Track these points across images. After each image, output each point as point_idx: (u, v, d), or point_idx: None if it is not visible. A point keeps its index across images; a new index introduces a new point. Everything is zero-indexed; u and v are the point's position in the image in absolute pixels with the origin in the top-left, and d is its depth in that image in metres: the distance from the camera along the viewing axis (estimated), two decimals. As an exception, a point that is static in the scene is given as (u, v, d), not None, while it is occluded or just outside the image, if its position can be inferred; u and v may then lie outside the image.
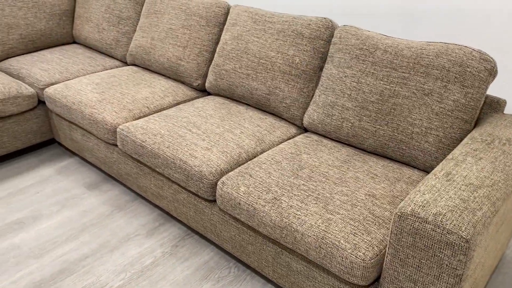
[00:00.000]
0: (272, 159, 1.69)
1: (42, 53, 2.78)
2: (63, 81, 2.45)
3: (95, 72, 2.60)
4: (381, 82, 1.69)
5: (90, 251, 1.85)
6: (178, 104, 2.26)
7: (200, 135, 1.85)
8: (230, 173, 1.64)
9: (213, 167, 1.68)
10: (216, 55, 2.23)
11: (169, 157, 1.77)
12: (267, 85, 2.02)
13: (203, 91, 2.41)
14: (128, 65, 2.72)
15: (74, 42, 3.05)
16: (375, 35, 1.78)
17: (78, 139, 2.30)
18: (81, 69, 2.57)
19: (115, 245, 1.88)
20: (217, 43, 2.30)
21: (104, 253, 1.84)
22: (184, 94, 2.32)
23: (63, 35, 2.94)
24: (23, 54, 2.79)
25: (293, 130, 1.99)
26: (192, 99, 2.33)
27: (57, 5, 2.88)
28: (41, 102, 2.45)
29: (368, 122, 1.71)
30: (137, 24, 2.67)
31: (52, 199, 2.16)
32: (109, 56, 2.80)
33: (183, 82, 2.42)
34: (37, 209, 2.09)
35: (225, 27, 2.24)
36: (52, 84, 2.42)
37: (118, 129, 1.98)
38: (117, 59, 2.77)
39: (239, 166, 1.73)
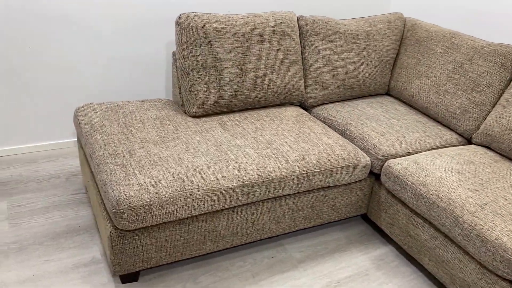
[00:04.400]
0: None
1: (358, 103, 2.38)
2: (404, 154, 1.98)
3: (436, 147, 2.06)
4: None
5: None
6: None
7: None
8: None
9: None
10: None
11: None
12: None
13: None
14: (473, 144, 2.14)
15: (386, 94, 2.61)
16: None
17: (421, 237, 1.78)
18: (419, 140, 2.06)
19: None
20: None
21: None
22: None
23: (380, 85, 2.51)
24: (338, 101, 2.43)
25: None
26: None
27: (386, 50, 2.45)
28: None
29: None
30: (499, 96, 2.06)
31: (383, 312, 1.68)
32: (442, 124, 2.25)
33: None
34: (369, 324, 1.63)
35: None
36: (393, 156, 1.96)
37: (530, 268, 1.38)
38: (455, 132, 2.20)
39: None
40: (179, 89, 2.13)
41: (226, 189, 1.60)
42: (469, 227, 1.55)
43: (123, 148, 1.70)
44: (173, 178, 1.55)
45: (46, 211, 2.03)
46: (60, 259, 1.77)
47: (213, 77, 2.02)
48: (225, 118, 2.05)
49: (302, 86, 2.27)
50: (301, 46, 2.28)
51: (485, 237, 1.50)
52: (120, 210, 1.44)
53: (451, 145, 2.12)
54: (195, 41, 1.99)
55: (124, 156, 1.65)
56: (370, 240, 2.06)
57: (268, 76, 2.13)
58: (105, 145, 1.72)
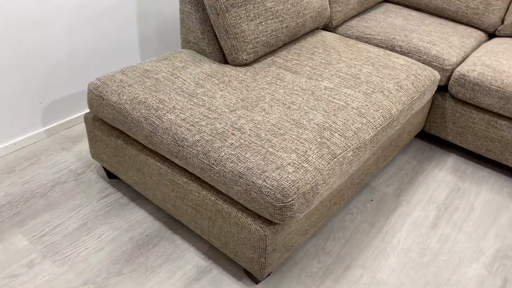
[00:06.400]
0: None
1: (374, 16, 2.19)
2: (461, 61, 1.91)
3: (475, 47, 2.04)
4: None
5: None
6: None
7: None
8: None
9: None
10: None
11: None
12: None
13: None
14: (496, 37, 2.16)
15: (384, 1, 2.45)
16: None
17: (507, 138, 1.78)
18: (460, 42, 2.00)
19: None
20: None
21: None
22: None
23: (382, -8, 2.34)
24: (354, 17, 2.21)
25: None
26: None
27: (387, -48, 2.25)
28: (425, 86, 1.91)
29: None
30: (520, -16, 2.08)
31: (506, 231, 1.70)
32: (461, 23, 2.21)
33: None
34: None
35: None
36: (456, 64, 1.87)
37: None
38: (479, 29, 2.18)
39: None
40: (202, 33, 1.68)
41: (367, 141, 1.35)
42: None
43: (220, 124, 1.28)
44: (317, 145, 1.24)
45: (88, 231, 1.52)
46: (162, 284, 1.36)
47: (258, 10, 1.62)
48: (277, 60, 1.70)
49: (328, 5, 1.98)
50: (318, -42, 1.95)
51: None
52: (289, 201, 1.10)
53: (481, 42, 2.12)
54: (231, -33, 1.53)
55: (233, 134, 1.25)
56: (433, 155, 2.03)
57: (305, -1, 1.80)
58: (192, 125, 1.28)
